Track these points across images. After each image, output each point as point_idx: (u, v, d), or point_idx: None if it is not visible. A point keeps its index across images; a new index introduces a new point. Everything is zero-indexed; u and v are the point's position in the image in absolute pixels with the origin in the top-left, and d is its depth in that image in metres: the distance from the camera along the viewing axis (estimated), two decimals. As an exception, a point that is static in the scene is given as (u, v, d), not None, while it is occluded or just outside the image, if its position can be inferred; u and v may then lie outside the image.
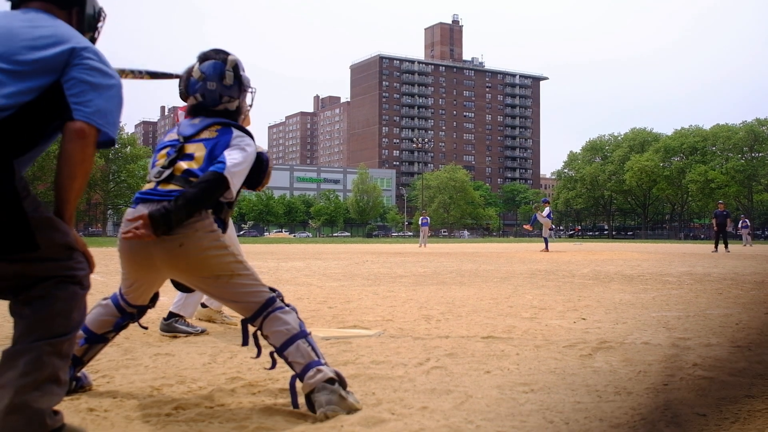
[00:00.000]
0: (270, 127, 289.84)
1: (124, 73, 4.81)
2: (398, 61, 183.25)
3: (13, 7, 2.71)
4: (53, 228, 2.46)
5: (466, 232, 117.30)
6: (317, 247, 34.94)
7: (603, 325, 5.81)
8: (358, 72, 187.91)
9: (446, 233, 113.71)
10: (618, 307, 7.13)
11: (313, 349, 3.05)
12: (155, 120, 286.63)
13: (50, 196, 2.50)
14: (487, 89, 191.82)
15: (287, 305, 3.16)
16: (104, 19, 2.94)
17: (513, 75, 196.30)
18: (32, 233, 2.35)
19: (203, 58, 3.37)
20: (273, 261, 17.96)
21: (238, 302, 3.11)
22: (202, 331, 5.38)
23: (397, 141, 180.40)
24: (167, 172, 3.10)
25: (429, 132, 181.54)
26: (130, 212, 3.08)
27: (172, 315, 5.32)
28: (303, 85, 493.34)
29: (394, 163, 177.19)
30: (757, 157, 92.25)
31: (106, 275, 11.83)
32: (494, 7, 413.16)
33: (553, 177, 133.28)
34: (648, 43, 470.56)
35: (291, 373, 3.08)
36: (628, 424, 2.90)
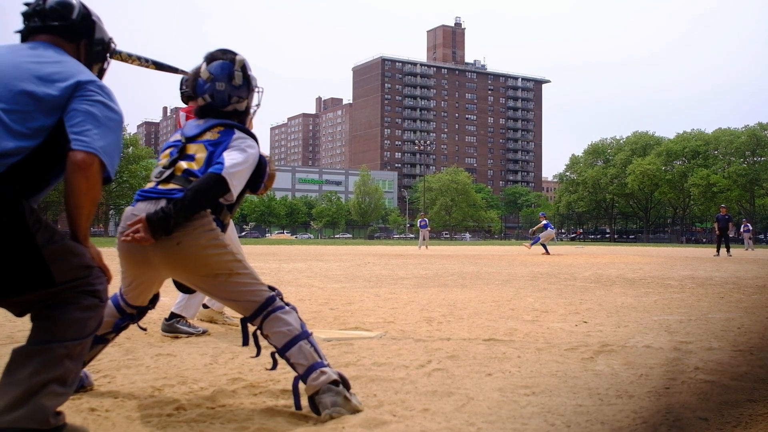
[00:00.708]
0: (272, 129, 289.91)
1: (131, 58, 4.81)
2: (400, 63, 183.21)
3: (23, 39, 2.72)
4: (69, 253, 2.50)
5: (467, 235, 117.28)
6: (319, 249, 34.94)
7: (605, 329, 5.81)
8: (361, 74, 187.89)
9: (448, 235, 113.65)
10: (620, 311, 7.12)
11: (316, 350, 3.04)
12: (158, 120, 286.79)
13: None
14: (489, 92, 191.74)
15: (287, 305, 3.15)
16: (114, 49, 2.95)
17: (515, 78, 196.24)
18: (48, 269, 2.38)
19: (210, 58, 3.35)
20: (275, 262, 17.97)
21: (237, 301, 3.11)
22: (204, 332, 5.38)
23: (399, 143, 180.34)
24: (168, 172, 3.11)
25: (431, 134, 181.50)
26: (129, 211, 3.09)
27: (173, 316, 5.32)
28: (305, 87, 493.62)
29: (396, 165, 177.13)
30: (760, 162, 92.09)
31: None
32: (496, 9, 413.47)
33: (555, 180, 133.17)
34: (650, 46, 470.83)
35: (293, 374, 3.08)
36: (629, 427, 2.90)
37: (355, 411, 2.97)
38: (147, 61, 4.87)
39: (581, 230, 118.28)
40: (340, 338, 5.16)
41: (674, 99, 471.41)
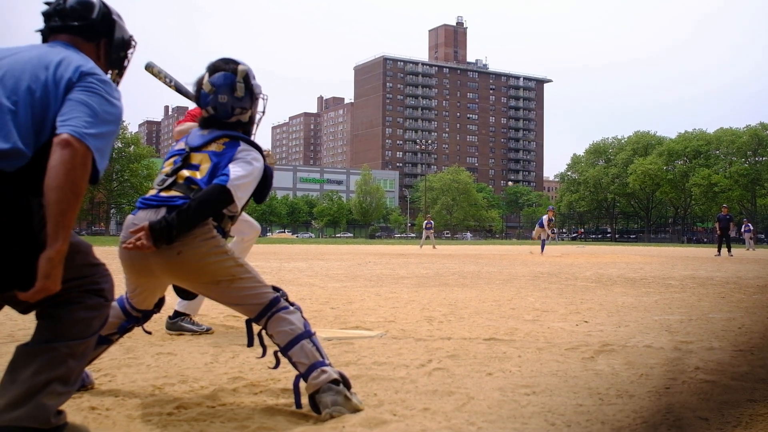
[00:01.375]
0: (273, 128, 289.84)
1: (160, 75, 4.79)
2: (402, 63, 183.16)
3: (44, 39, 2.71)
4: (74, 251, 2.45)
5: (468, 234, 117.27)
6: (320, 248, 34.95)
7: (605, 328, 5.81)
8: (362, 73, 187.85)
9: (449, 235, 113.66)
10: (620, 310, 7.12)
11: (318, 349, 3.05)
12: (159, 120, 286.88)
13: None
14: (491, 91, 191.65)
15: (292, 304, 3.16)
16: (135, 46, 2.92)
17: (517, 77, 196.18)
18: (32, 274, 2.32)
19: (213, 69, 3.32)
20: (276, 261, 17.97)
21: (241, 305, 3.12)
22: (208, 330, 5.38)
23: (401, 142, 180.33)
24: (170, 180, 3.11)
25: (432, 133, 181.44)
26: (129, 219, 3.09)
27: (177, 314, 5.33)
28: (307, 86, 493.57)
29: (398, 164, 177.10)
30: (761, 162, 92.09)
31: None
32: (498, 9, 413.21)
33: (557, 179, 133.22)
34: (652, 46, 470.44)
35: (293, 373, 3.09)
36: (629, 427, 2.90)
37: (356, 410, 2.97)
38: (170, 81, 4.86)
39: (582, 230, 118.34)
40: (340, 337, 5.17)
41: (676, 99, 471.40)
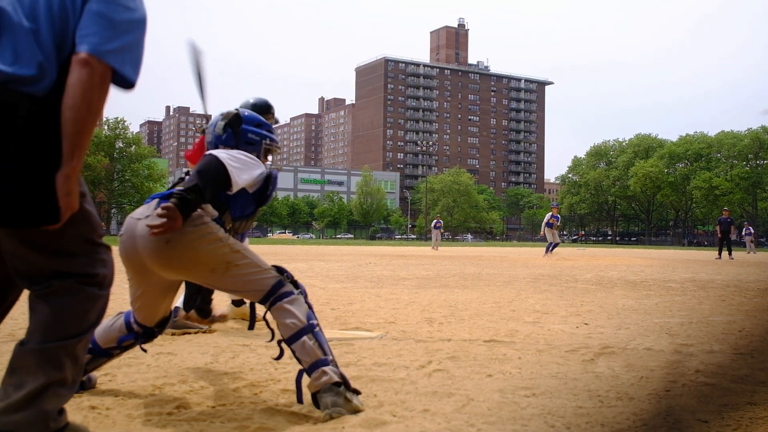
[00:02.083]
0: (275, 128, 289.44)
1: (199, 62, 4.72)
2: (403, 64, 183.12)
3: None
4: (81, 219, 2.39)
5: (469, 236, 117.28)
6: (320, 249, 34.96)
7: (605, 331, 5.81)
8: (364, 74, 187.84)
9: (449, 237, 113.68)
10: (621, 313, 7.12)
11: (320, 345, 3.04)
12: (160, 120, 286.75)
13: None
14: (492, 93, 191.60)
15: (297, 287, 3.19)
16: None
17: (518, 79, 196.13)
18: (57, 206, 2.26)
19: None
20: (276, 262, 17.92)
21: (242, 291, 3.16)
22: (222, 318, 5.41)
23: (402, 144, 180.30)
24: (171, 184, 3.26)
25: (433, 135, 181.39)
26: (129, 217, 3.11)
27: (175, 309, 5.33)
28: (308, 87, 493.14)
29: (399, 165, 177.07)
30: (762, 165, 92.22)
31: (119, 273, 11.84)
32: (500, 11, 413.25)
33: (558, 182, 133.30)
34: (653, 49, 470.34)
35: (293, 374, 3.10)
36: (629, 429, 2.90)
37: (356, 411, 2.98)
38: (201, 75, 4.79)
39: (583, 232, 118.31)
40: (341, 338, 5.17)
41: (677, 101, 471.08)
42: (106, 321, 3.32)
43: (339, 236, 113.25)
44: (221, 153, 3.23)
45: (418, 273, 14.03)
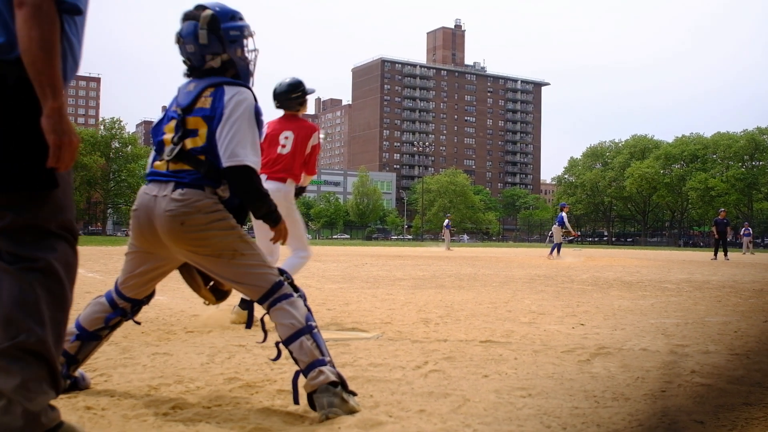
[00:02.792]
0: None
1: None
2: (400, 65, 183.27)
3: None
4: (64, 195, 2.39)
5: (465, 237, 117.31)
6: (316, 249, 34.92)
7: (601, 331, 5.81)
8: (360, 75, 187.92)
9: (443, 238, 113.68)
10: (617, 314, 7.13)
11: (318, 345, 3.04)
12: (156, 120, 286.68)
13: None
14: (489, 94, 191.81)
15: (296, 290, 3.17)
16: None
17: (514, 80, 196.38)
18: (54, 174, 2.26)
19: (183, 19, 3.32)
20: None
21: (243, 284, 3.13)
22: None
23: (398, 144, 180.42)
24: (177, 149, 3.14)
25: (430, 136, 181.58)
26: (142, 190, 3.18)
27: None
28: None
29: (395, 166, 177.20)
30: (758, 166, 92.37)
31: (105, 274, 11.83)
32: (496, 12, 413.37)
33: (554, 182, 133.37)
34: (650, 50, 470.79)
35: (289, 374, 3.10)
36: (625, 430, 2.90)
37: (352, 412, 2.97)
38: None
39: (579, 233, 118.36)
40: (337, 339, 5.16)
41: (673, 102, 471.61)
42: (88, 308, 3.38)
43: (335, 237, 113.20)
44: (240, 155, 3.08)
45: (415, 273, 14.04)
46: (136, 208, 3.16)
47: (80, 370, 3.40)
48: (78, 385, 3.35)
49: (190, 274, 3.42)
